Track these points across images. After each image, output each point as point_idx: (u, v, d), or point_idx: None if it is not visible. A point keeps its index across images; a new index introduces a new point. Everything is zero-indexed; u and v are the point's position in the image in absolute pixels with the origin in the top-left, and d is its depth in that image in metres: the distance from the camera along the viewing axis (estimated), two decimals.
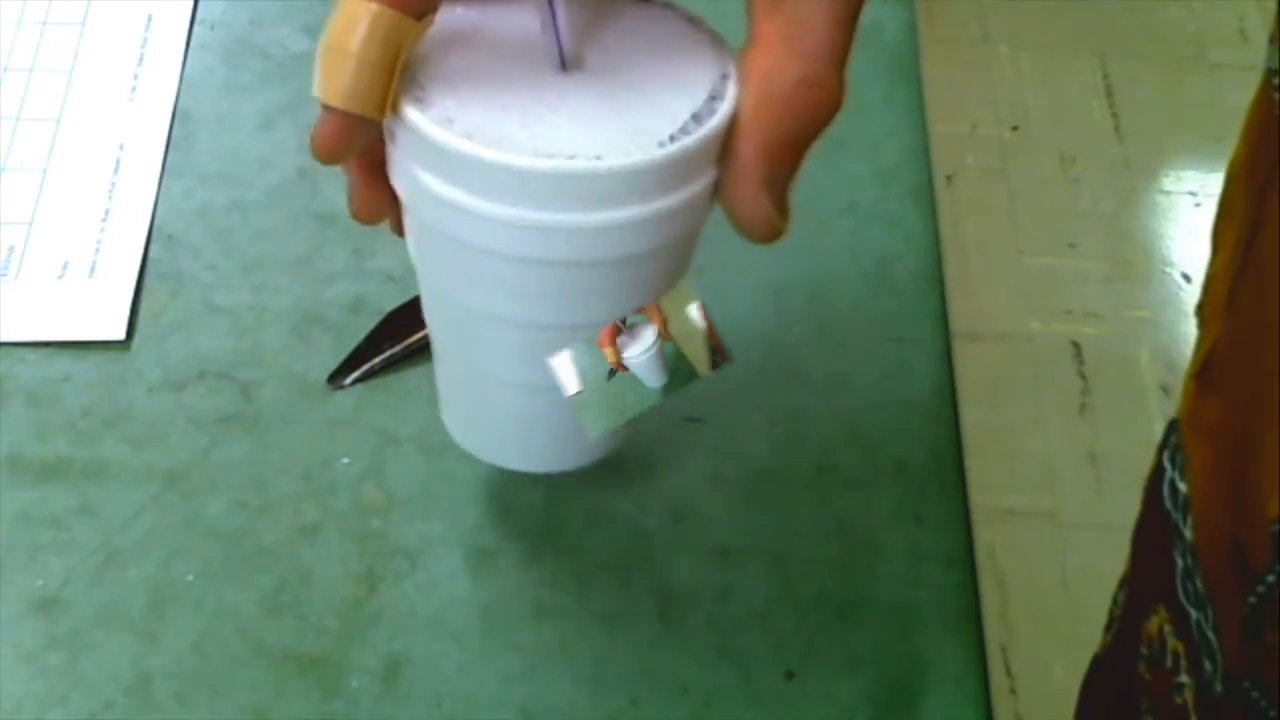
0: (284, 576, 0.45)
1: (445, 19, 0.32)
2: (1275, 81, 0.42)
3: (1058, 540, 1.43)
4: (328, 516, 0.46)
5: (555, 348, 0.34)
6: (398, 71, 0.30)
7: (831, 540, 0.47)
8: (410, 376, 0.49)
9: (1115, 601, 0.59)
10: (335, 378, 0.49)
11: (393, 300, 0.51)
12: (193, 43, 0.58)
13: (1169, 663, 0.50)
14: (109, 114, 0.55)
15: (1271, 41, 0.43)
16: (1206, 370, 0.48)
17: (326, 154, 0.31)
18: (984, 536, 1.42)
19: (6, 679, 0.43)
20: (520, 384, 0.37)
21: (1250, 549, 0.44)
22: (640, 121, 0.31)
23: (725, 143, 0.31)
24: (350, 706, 0.43)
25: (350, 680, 0.43)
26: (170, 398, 0.49)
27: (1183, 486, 0.49)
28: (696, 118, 0.31)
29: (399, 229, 0.36)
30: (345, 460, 0.48)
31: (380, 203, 0.35)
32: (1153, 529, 0.52)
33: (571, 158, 0.30)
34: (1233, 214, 0.46)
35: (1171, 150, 1.77)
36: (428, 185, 0.31)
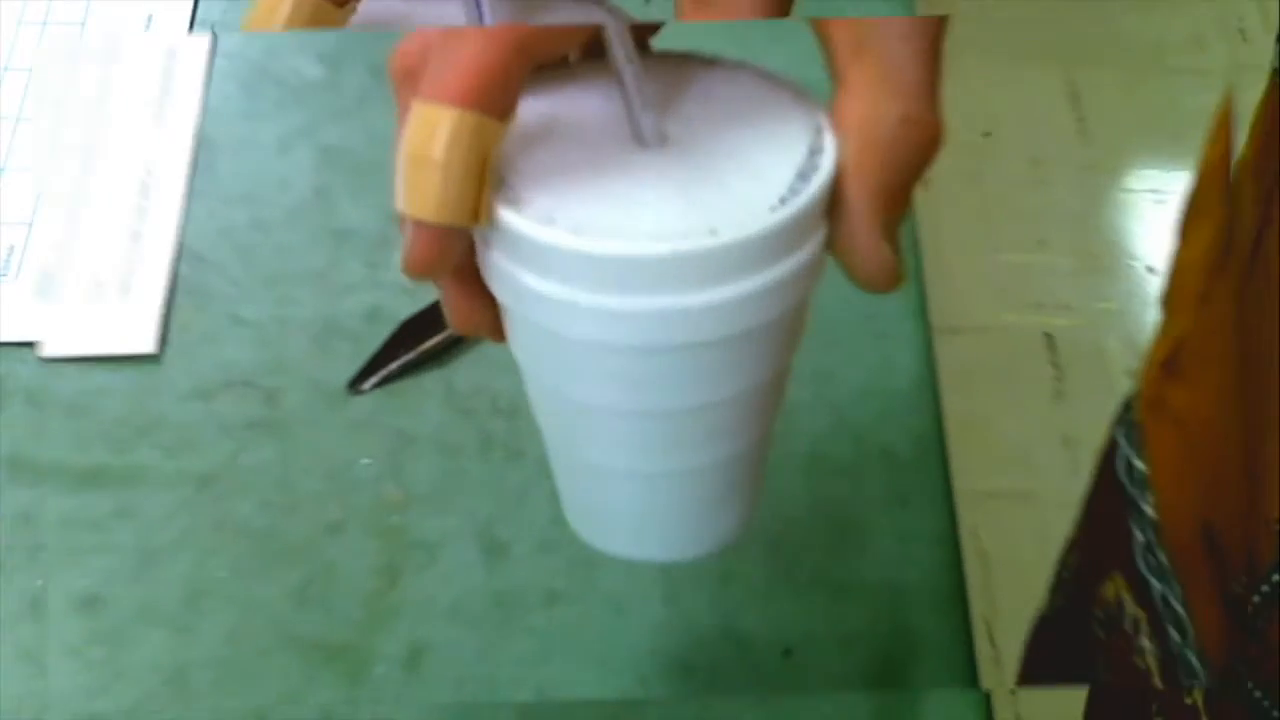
0: (310, 571, 0.45)
1: (521, 111, 0.29)
2: None
3: (1036, 519, 1.42)
4: (350, 514, 0.46)
5: (678, 432, 0.32)
6: (487, 175, 0.27)
7: (824, 525, 0.47)
8: (425, 380, 0.49)
9: (1064, 565, 0.59)
10: (354, 383, 0.49)
11: (407, 309, 0.51)
12: (214, 73, 0.58)
13: (1128, 626, 0.50)
14: (135, 142, 0.55)
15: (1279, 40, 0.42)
16: (1175, 358, 0.47)
17: (422, 271, 0.29)
18: (967, 517, 1.42)
19: (54, 672, 0.43)
20: (642, 473, 0.34)
21: (1229, 540, 0.43)
22: (745, 188, 0.28)
23: (833, 197, 0.29)
24: (375, 692, 0.43)
25: (375, 667, 0.43)
26: (200, 406, 0.49)
27: (1140, 464, 0.49)
28: (802, 176, 0.28)
29: (498, 334, 0.32)
30: (365, 461, 0.47)
31: (478, 311, 0.31)
32: (1106, 499, 0.52)
33: (685, 237, 0.27)
34: (1205, 211, 0.46)
35: (1134, 151, 1.77)
36: (535, 288, 0.28)
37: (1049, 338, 1.59)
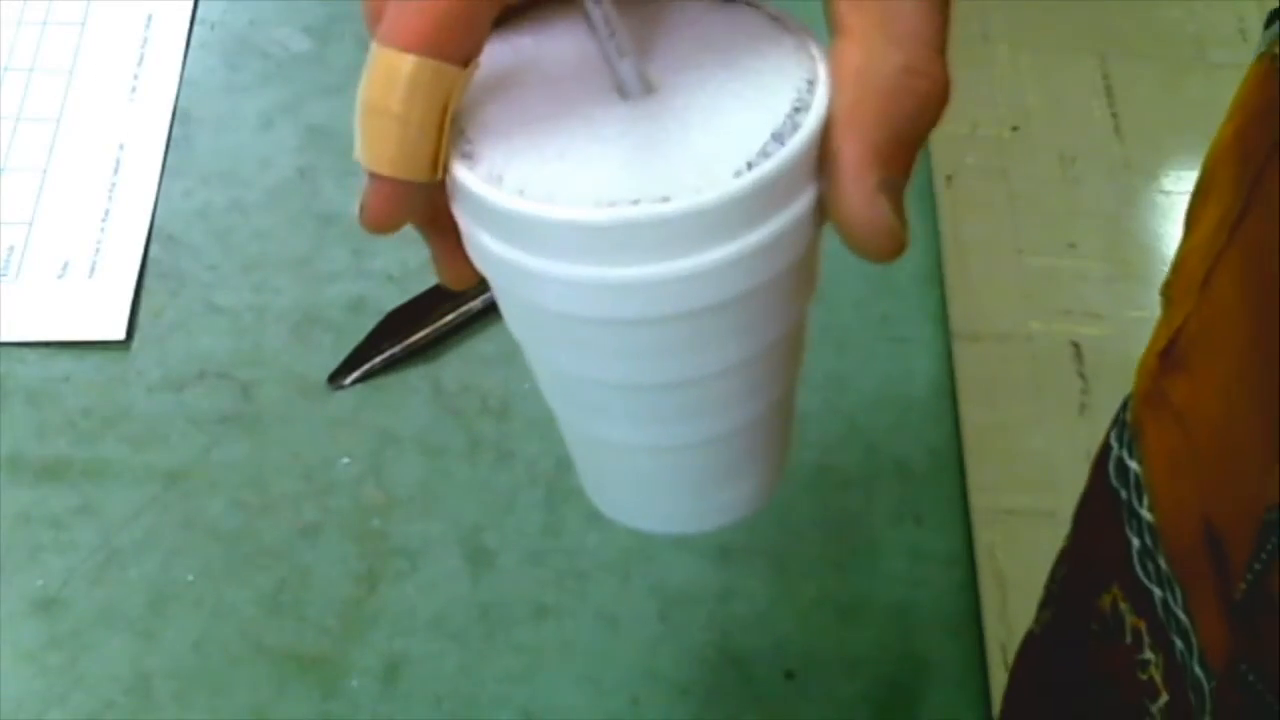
0: (284, 576, 0.45)
1: (492, 56, 0.28)
2: None
3: (1058, 540, 1.42)
4: (328, 516, 0.46)
5: (673, 405, 0.31)
6: (447, 128, 0.27)
7: (831, 540, 0.47)
8: (410, 376, 0.49)
9: (1053, 579, 0.59)
10: (335, 378, 0.49)
11: (393, 300, 0.51)
12: (193, 43, 0.58)
13: (1128, 639, 0.50)
14: (109, 114, 0.55)
15: (1268, 25, 0.43)
16: (1173, 349, 0.47)
17: (377, 225, 0.28)
18: (984, 536, 1.42)
19: (7, 679, 0.43)
20: (644, 447, 0.33)
21: (1231, 534, 0.43)
22: (712, 149, 0.27)
23: (825, 153, 0.27)
24: (350, 706, 0.43)
25: (350, 680, 0.43)
26: (170, 398, 0.49)
27: (1134, 465, 0.49)
28: (778, 136, 0.27)
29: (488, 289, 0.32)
30: (345, 460, 0.48)
31: (465, 270, 0.31)
32: (1097, 506, 0.52)
33: (635, 203, 0.26)
34: (1212, 194, 0.46)
35: (1171, 150, 1.77)
36: (490, 249, 0.28)
37: (1076, 347, 1.59)
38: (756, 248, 0.27)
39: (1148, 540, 0.48)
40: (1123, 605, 0.50)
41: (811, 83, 0.28)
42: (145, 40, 0.58)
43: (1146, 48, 1.88)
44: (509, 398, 0.49)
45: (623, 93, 0.28)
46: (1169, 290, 0.48)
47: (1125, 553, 0.49)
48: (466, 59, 0.27)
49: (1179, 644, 0.47)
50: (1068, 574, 0.57)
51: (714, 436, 0.33)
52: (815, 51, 0.29)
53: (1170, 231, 1.69)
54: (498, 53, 0.29)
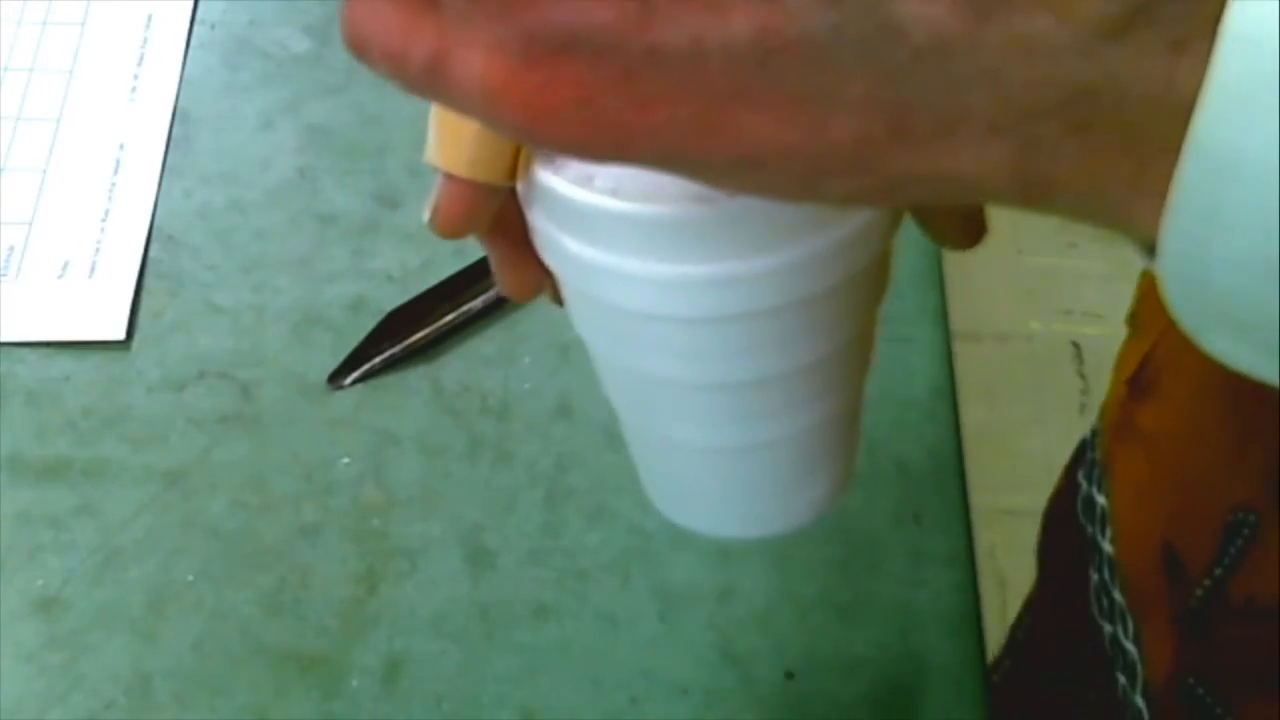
0: (284, 576, 0.45)
1: None
2: None
3: None
4: (328, 516, 0.46)
5: (749, 405, 0.31)
6: None
7: (831, 540, 0.47)
8: (410, 376, 0.49)
9: (1019, 624, 0.59)
10: (335, 378, 0.49)
11: (393, 300, 0.51)
12: (193, 43, 0.58)
13: (1077, 678, 0.50)
14: (109, 114, 0.55)
15: None
16: (1141, 374, 0.47)
17: (450, 229, 0.27)
18: (984, 536, 1.42)
19: (7, 679, 0.43)
20: (718, 449, 0.33)
21: (1188, 553, 0.44)
22: None
23: None
24: (350, 706, 0.43)
25: (350, 680, 0.43)
26: (170, 397, 0.49)
27: (1100, 499, 0.49)
28: None
29: (557, 299, 0.31)
30: (345, 460, 0.48)
31: (531, 276, 0.30)
32: (1062, 548, 0.52)
33: (733, 196, 0.25)
34: None
35: None
36: (577, 253, 0.27)
37: (1076, 347, 1.59)
38: (848, 238, 0.27)
39: (1105, 574, 0.48)
40: (1078, 649, 0.51)
41: None
42: (145, 40, 0.58)
43: None
44: (509, 398, 0.49)
45: None
46: (1135, 319, 0.49)
47: (1085, 592, 0.49)
48: None
49: (1122, 679, 0.47)
50: (1032, 621, 0.57)
51: (791, 435, 0.33)
52: None
53: None
54: None
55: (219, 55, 0.58)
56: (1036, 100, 0.19)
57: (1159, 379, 0.47)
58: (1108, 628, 0.48)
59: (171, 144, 0.55)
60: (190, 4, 0.59)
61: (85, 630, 0.44)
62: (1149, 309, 0.47)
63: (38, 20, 0.58)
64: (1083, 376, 1.56)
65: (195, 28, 0.58)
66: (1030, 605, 0.58)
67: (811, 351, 0.30)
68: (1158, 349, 0.46)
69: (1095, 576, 0.49)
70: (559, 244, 0.28)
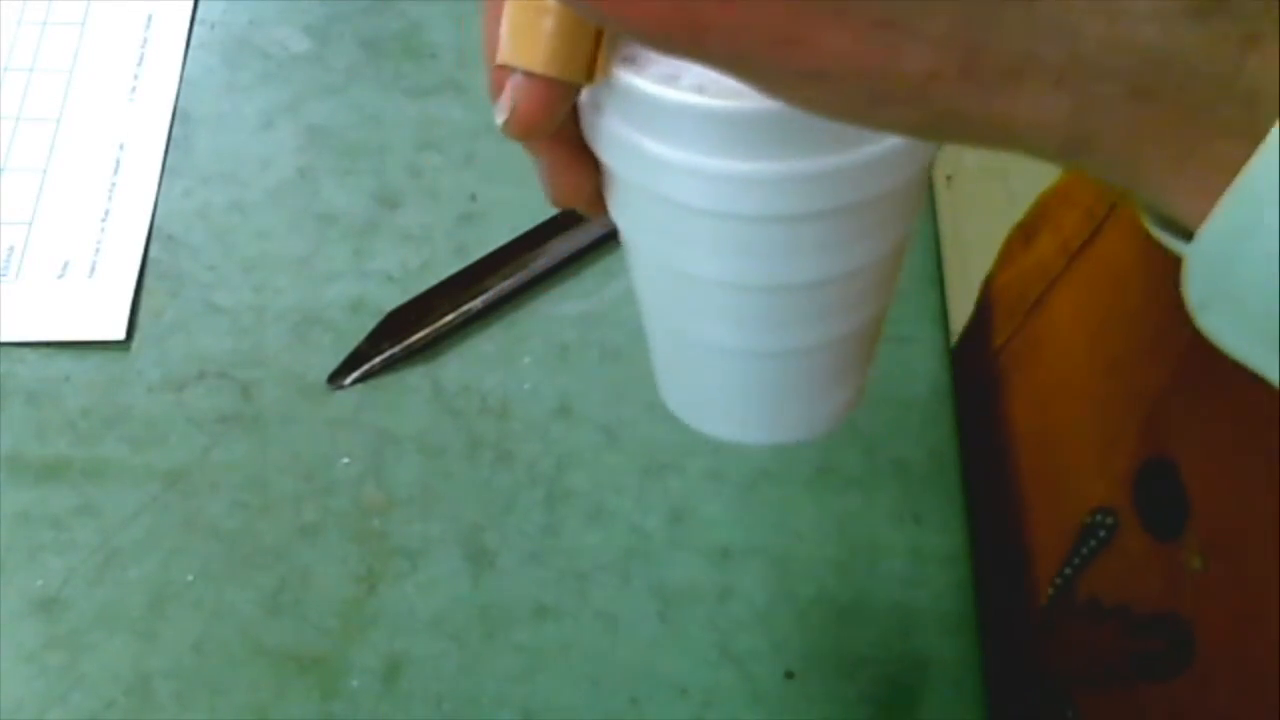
0: (284, 576, 0.45)
1: None
2: None
3: None
4: (328, 516, 0.46)
5: (794, 308, 0.32)
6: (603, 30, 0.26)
7: (831, 540, 0.47)
8: (410, 376, 0.49)
9: None
10: (335, 378, 0.49)
11: (393, 300, 0.51)
12: (193, 43, 0.58)
13: None
14: (109, 114, 0.55)
15: None
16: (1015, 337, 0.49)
17: (528, 128, 0.27)
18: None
19: (7, 679, 0.43)
20: (751, 351, 0.34)
21: (1043, 547, 0.44)
22: None
23: None
24: (350, 706, 0.43)
25: (350, 680, 0.43)
26: (170, 398, 0.49)
27: None
28: None
29: (598, 207, 0.32)
30: (345, 460, 0.48)
31: (581, 181, 0.30)
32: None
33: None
34: (1044, 230, 0.49)
35: None
36: (657, 154, 0.28)
37: None
38: (910, 144, 0.28)
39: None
40: None
41: None
42: (145, 40, 0.58)
43: None
44: (509, 398, 0.49)
45: None
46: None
47: None
48: None
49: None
50: None
51: (822, 342, 0.33)
52: None
53: None
54: None
55: (219, 55, 0.58)
56: (1108, 61, 0.20)
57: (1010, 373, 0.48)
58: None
59: (171, 144, 0.55)
60: (190, 4, 0.59)
61: (85, 630, 0.44)
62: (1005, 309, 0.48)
63: (38, 20, 0.58)
64: None
65: (195, 28, 0.58)
66: None
67: (859, 257, 0.31)
68: (1011, 343, 0.47)
69: None
70: (637, 146, 0.28)
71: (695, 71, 0.27)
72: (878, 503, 0.48)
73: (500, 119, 0.27)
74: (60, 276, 0.51)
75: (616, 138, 0.29)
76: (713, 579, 0.46)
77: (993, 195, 1.71)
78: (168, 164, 0.54)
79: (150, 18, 0.58)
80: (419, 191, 0.53)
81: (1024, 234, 0.51)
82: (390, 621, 0.44)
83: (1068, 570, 0.43)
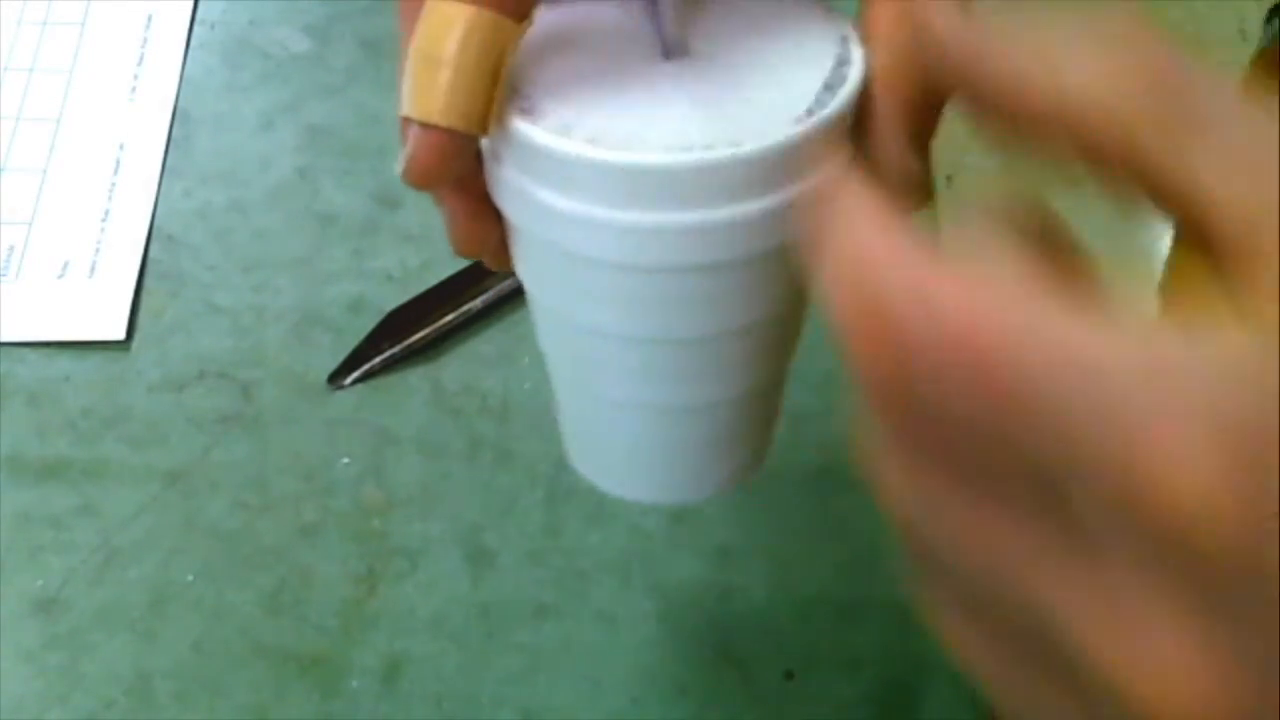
0: (284, 576, 0.45)
1: (541, 19, 0.29)
2: None
3: None
4: (328, 516, 0.46)
5: (695, 363, 0.32)
6: (501, 80, 0.27)
7: (831, 540, 0.47)
8: (410, 376, 0.49)
9: None
10: (335, 378, 0.49)
11: (392, 300, 0.51)
12: (193, 43, 0.58)
13: None
14: (109, 114, 0.55)
15: (1268, 21, 0.42)
16: None
17: (423, 179, 0.28)
18: None
19: (7, 679, 0.43)
20: (652, 406, 0.34)
21: None
22: (769, 100, 0.28)
23: (861, 108, 0.29)
24: (350, 706, 0.43)
25: (350, 680, 0.43)
26: (170, 398, 0.49)
27: None
28: (829, 87, 0.28)
29: (502, 259, 0.32)
30: (345, 460, 0.48)
31: (485, 231, 0.31)
32: None
33: (709, 148, 0.27)
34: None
35: None
36: (549, 204, 0.28)
37: None
38: (811, 194, 0.28)
39: None
40: None
41: (845, 39, 0.29)
42: (145, 40, 0.58)
43: None
44: (509, 398, 0.49)
45: (669, 53, 0.29)
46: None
47: None
48: (521, 14, 0.27)
49: None
50: None
51: (722, 399, 0.34)
52: (837, 12, 0.30)
53: (1170, 231, 1.69)
54: (544, 16, 0.29)
55: (219, 55, 0.58)
56: None
57: None
58: None
59: (171, 144, 0.55)
60: (190, 4, 0.59)
61: (85, 630, 0.44)
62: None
63: (38, 20, 0.58)
64: None
65: (195, 28, 0.58)
66: None
67: (760, 310, 0.31)
68: None
69: None
70: (531, 196, 0.28)
71: (589, 123, 0.27)
72: (878, 503, 0.48)
73: (398, 169, 0.28)
74: (60, 276, 0.51)
75: (513, 187, 0.29)
76: (713, 579, 0.46)
77: (993, 194, 1.71)
78: (168, 164, 0.54)
79: (150, 18, 0.58)
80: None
81: None
82: (390, 621, 0.44)
83: None
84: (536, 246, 0.31)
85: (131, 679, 0.43)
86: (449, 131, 0.27)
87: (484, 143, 0.29)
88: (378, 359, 0.49)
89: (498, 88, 0.27)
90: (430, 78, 0.27)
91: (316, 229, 0.53)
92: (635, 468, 0.37)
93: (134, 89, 0.56)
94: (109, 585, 0.45)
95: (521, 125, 0.28)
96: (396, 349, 0.50)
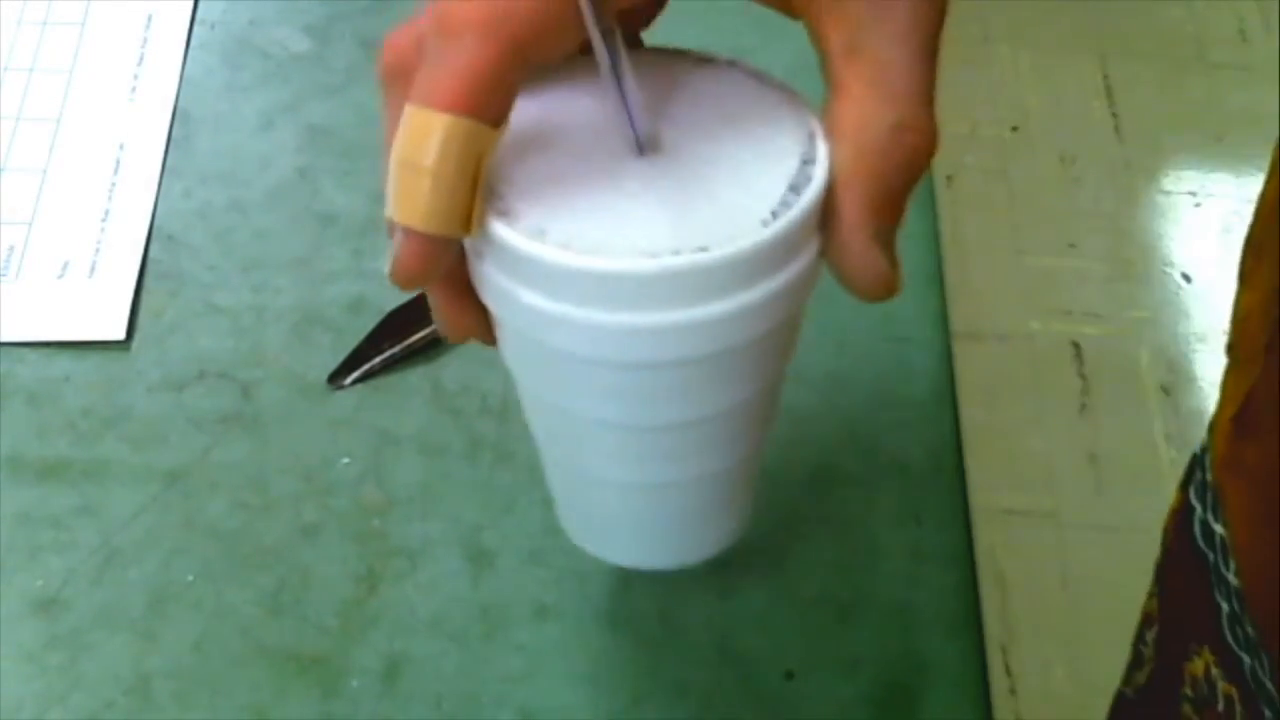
0: (284, 576, 0.45)
1: (515, 115, 0.30)
2: None
3: (1058, 540, 1.43)
4: (328, 516, 0.46)
5: (670, 445, 0.33)
6: (479, 184, 0.28)
7: (831, 540, 0.47)
8: (410, 376, 0.49)
9: (1143, 640, 0.58)
10: (335, 378, 0.49)
11: (393, 300, 0.51)
12: (193, 43, 0.58)
13: (1221, 707, 0.49)
14: (109, 114, 0.55)
15: None
16: (1245, 414, 0.46)
17: (409, 280, 0.29)
18: (984, 536, 1.42)
19: (7, 679, 0.43)
20: (633, 484, 0.35)
21: None
22: (736, 201, 0.29)
23: (826, 206, 0.30)
24: (350, 706, 0.43)
25: (350, 680, 0.43)
26: (170, 398, 0.49)
27: (1219, 529, 0.48)
28: (794, 188, 0.29)
29: (490, 340, 0.33)
30: (345, 460, 0.48)
31: (469, 320, 0.32)
32: (1185, 568, 0.51)
33: (676, 254, 0.28)
34: (1263, 252, 0.45)
35: (1171, 150, 1.77)
36: (524, 300, 0.29)
37: (1076, 347, 1.59)
38: (779, 292, 0.29)
39: (1235, 605, 0.47)
40: (1215, 671, 0.49)
41: (812, 135, 0.30)
42: (145, 40, 0.58)
43: (1146, 48, 1.88)
44: (509, 398, 0.49)
45: (640, 149, 0.30)
46: (1235, 351, 0.48)
47: (1216, 618, 0.49)
48: (497, 120, 0.28)
49: (1269, 714, 0.46)
50: (1159, 637, 0.56)
51: (704, 475, 0.35)
52: (805, 106, 0.31)
53: (1169, 232, 1.69)
54: (519, 110, 0.30)
55: (219, 55, 0.58)
56: None
57: (1261, 418, 0.46)
58: (1247, 660, 0.47)
59: (171, 144, 0.55)
60: (190, 4, 0.59)
61: (85, 630, 0.44)
62: (1246, 342, 0.47)
63: (38, 20, 0.58)
64: (1083, 376, 1.56)
65: (195, 28, 0.58)
66: (1150, 621, 0.57)
67: (731, 397, 0.32)
68: (1257, 390, 0.46)
69: (1225, 606, 0.48)
70: (509, 293, 0.30)
71: (562, 226, 0.28)
72: (878, 503, 0.48)
73: (386, 269, 0.29)
74: (60, 276, 0.51)
75: (494, 284, 0.30)
76: (713, 579, 0.46)
77: (993, 195, 1.71)
78: (168, 164, 0.54)
79: (150, 18, 0.58)
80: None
81: (1253, 256, 0.48)
82: (390, 621, 0.44)
83: None
84: (516, 338, 0.32)
85: (131, 679, 0.43)
86: (432, 237, 0.28)
87: (469, 240, 0.30)
88: (378, 359, 0.49)
89: (477, 190, 0.28)
90: (413, 184, 0.28)
91: (316, 229, 0.53)
92: (620, 537, 0.39)
93: (134, 89, 0.56)
94: (109, 585, 0.45)
95: (499, 228, 0.29)
96: (396, 349, 0.50)
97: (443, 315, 0.33)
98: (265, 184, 0.54)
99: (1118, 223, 1.71)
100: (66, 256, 0.51)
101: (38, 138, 0.54)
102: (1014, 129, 1.75)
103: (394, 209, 0.28)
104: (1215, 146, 1.73)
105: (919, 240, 0.54)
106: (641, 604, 0.45)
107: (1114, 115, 1.80)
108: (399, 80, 0.29)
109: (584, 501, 0.39)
